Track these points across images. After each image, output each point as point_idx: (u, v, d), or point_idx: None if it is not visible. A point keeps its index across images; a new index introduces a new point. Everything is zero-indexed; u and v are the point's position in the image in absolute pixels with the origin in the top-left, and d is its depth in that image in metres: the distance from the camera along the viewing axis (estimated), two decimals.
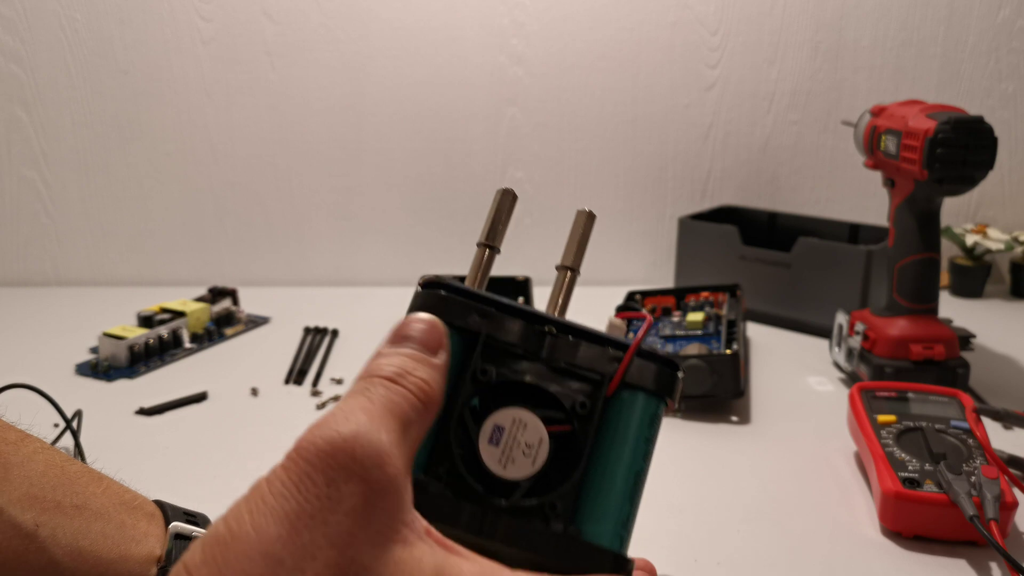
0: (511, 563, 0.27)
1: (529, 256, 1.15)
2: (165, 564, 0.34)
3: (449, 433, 0.29)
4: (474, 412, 0.30)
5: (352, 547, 0.22)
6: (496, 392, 0.30)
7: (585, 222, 0.34)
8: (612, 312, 0.88)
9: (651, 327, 0.32)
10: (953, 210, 1.23)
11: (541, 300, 0.94)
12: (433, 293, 0.30)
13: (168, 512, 0.37)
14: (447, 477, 0.28)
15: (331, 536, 0.22)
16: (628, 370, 0.30)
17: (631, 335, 0.32)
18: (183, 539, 0.35)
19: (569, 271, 0.34)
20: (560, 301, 0.34)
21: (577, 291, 0.34)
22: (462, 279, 0.32)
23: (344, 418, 0.24)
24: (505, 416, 0.29)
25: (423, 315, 0.29)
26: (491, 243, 0.33)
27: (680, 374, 0.31)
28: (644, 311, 0.92)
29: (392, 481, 0.23)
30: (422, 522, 0.24)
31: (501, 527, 0.28)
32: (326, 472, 0.22)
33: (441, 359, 0.27)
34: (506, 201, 0.34)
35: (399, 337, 0.27)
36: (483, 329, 0.30)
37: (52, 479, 0.33)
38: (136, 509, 0.36)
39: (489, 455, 0.29)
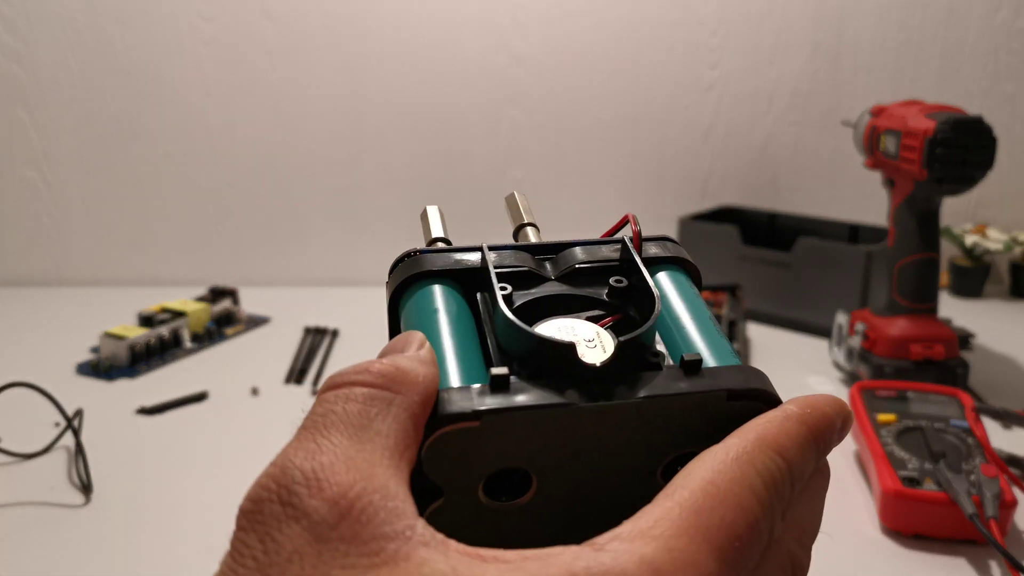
0: (626, 431, 0.24)
1: None
2: None
3: (498, 342, 0.26)
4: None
5: None
6: (522, 316, 0.26)
7: (517, 200, 0.34)
8: None
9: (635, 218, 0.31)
10: (953, 210, 1.23)
11: None
12: (412, 260, 0.30)
13: None
14: (517, 368, 0.24)
15: None
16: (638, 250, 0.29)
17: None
18: None
19: (531, 227, 0.33)
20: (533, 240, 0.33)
21: None
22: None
23: (271, 463, 0.20)
24: (549, 328, 0.25)
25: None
26: (443, 237, 0.32)
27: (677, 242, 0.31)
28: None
29: (338, 502, 0.19)
30: (432, 532, 0.20)
31: (612, 388, 0.24)
32: (256, 529, 0.19)
33: (412, 348, 0.24)
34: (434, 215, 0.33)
35: None
36: (485, 258, 0.28)
37: None
38: None
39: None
